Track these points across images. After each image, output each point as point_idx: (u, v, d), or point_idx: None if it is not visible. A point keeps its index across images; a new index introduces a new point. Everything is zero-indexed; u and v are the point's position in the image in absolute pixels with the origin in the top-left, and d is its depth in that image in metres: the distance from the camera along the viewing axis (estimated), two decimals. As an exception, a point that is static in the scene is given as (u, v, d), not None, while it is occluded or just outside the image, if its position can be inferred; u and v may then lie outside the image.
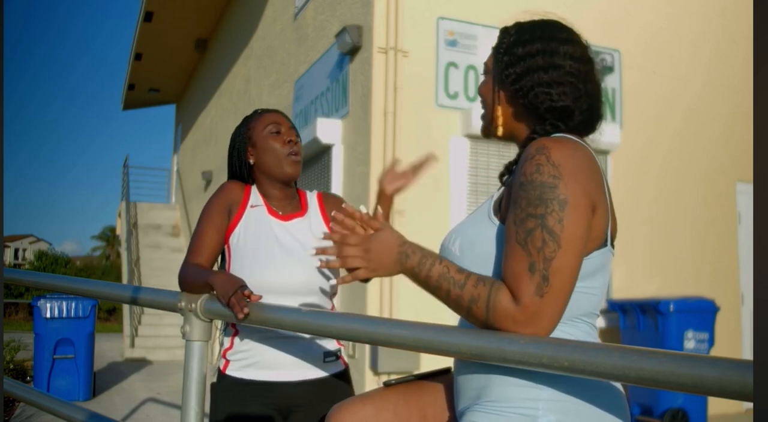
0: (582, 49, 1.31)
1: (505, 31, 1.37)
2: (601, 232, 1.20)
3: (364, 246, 1.25)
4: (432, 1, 5.64)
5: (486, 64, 1.40)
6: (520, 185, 1.17)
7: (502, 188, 1.32)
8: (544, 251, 1.10)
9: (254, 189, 2.03)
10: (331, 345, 1.96)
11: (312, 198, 2.08)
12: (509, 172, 1.34)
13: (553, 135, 1.26)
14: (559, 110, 1.27)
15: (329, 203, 2.08)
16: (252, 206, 1.98)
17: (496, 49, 1.36)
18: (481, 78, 1.43)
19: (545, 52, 1.27)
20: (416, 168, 1.97)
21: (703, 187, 6.51)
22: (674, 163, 6.42)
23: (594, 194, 1.17)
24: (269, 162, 1.97)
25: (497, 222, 1.24)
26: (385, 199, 1.98)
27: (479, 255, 1.23)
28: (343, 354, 2.02)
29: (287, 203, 2.02)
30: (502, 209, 1.24)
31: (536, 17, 1.35)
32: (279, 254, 1.91)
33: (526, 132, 1.31)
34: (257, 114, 2.05)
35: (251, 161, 2.00)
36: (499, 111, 1.34)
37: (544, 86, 1.26)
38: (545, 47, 1.28)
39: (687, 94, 6.55)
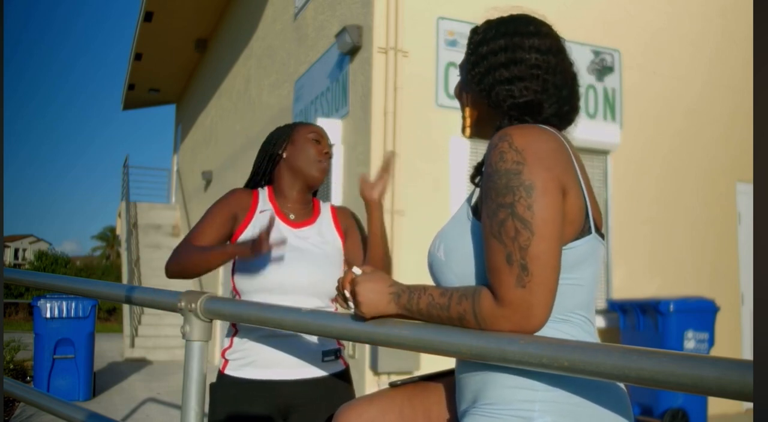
0: (551, 40, 1.29)
1: (474, 31, 1.37)
2: (577, 215, 1.18)
3: (355, 293, 1.28)
4: (432, 1, 5.64)
5: (460, 65, 1.40)
6: (487, 176, 1.16)
7: (478, 187, 1.31)
8: (518, 240, 1.09)
9: (263, 195, 2.05)
10: (330, 344, 1.96)
11: (325, 208, 2.11)
12: (479, 173, 1.33)
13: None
14: (522, 106, 1.25)
15: (341, 215, 2.12)
16: (261, 211, 2.00)
17: (466, 50, 1.37)
18: (458, 79, 1.44)
19: (508, 47, 1.26)
20: (385, 169, 1.98)
21: (703, 187, 6.51)
22: (674, 163, 6.42)
23: (563, 176, 1.15)
24: (301, 160, 2.03)
25: (476, 221, 1.23)
26: (374, 208, 1.97)
27: (464, 257, 1.23)
28: (344, 354, 2.02)
29: (300, 207, 2.05)
30: (480, 205, 1.23)
31: (504, 13, 1.34)
32: (287, 257, 1.92)
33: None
34: (304, 123, 2.15)
35: (284, 155, 2.05)
36: (468, 112, 1.35)
37: (505, 83, 1.25)
38: (508, 43, 1.27)
39: (687, 95, 6.55)
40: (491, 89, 1.27)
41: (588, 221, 1.20)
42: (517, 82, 1.25)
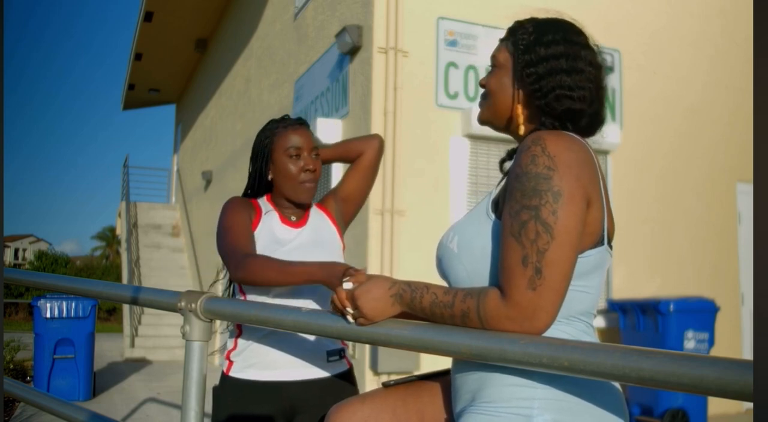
0: (595, 55, 1.32)
1: (521, 27, 1.34)
2: (596, 228, 1.19)
3: (356, 304, 1.28)
4: (432, 1, 5.64)
5: (496, 56, 1.37)
6: (515, 176, 1.17)
7: (500, 185, 1.32)
8: (538, 244, 1.10)
9: (261, 200, 2.07)
10: (334, 344, 1.97)
11: (314, 208, 2.12)
12: (510, 158, 1.36)
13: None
14: (575, 113, 1.27)
15: (326, 204, 2.14)
16: (266, 212, 2.03)
17: (515, 45, 1.33)
18: (489, 69, 1.41)
19: (569, 55, 1.28)
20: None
21: (704, 187, 6.51)
22: (674, 163, 6.42)
23: (589, 187, 1.16)
24: (284, 185, 2.00)
25: (495, 219, 1.24)
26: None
27: (477, 252, 1.23)
28: (347, 354, 2.02)
29: (296, 211, 2.07)
30: (500, 203, 1.24)
31: (548, 15, 1.35)
32: (288, 253, 1.93)
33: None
34: (282, 128, 2.01)
35: (269, 177, 2.03)
36: (519, 110, 1.33)
37: (566, 89, 1.26)
38: (569, 51, 1.28)
39: (687, 95, 6.55)
40: (550, 92, 1.27)
41: (603, 233, 1.21)
42: (576, 90, 1.27)
